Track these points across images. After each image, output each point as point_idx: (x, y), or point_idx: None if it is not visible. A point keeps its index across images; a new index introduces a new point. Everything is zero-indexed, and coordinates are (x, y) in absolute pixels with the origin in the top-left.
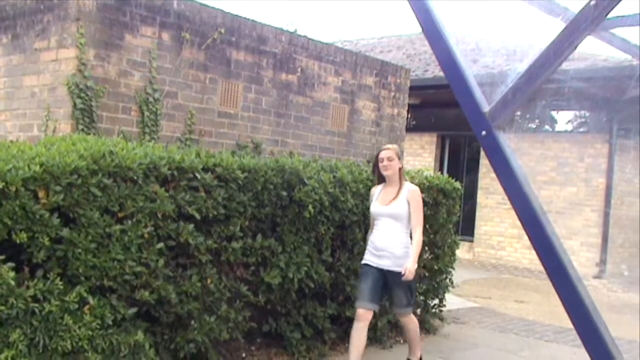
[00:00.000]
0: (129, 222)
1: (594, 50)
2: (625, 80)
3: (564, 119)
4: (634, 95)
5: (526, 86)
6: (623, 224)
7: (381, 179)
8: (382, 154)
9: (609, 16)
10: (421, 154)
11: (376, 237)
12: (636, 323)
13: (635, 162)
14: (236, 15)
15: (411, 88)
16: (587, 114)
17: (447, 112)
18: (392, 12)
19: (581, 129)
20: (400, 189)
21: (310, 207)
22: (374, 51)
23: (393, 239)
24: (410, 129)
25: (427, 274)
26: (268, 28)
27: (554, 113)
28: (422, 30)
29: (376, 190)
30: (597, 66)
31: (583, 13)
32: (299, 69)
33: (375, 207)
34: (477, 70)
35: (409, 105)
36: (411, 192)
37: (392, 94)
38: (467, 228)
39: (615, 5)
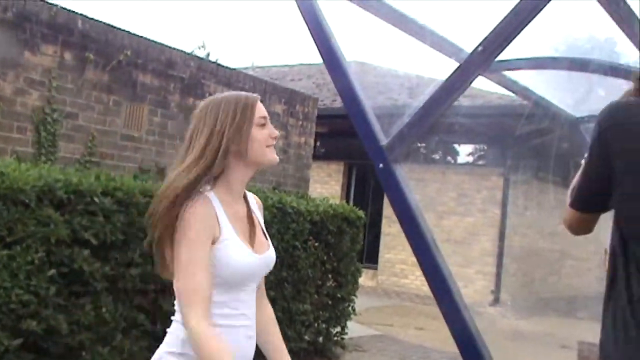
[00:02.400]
0: (18, 247)
1: (489, 88)
2: (517, 117)
3: (465, 151)
4: (523, 133)
5: (421, 122)
6: (515, 254)
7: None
8: (261, 107)
9: (498, 59)
10: (328, 182)
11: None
12: (525, 350)
13: (527, 196)
14: (143, 37)
15: (320, 117)
16: (485, 148)
17: (354, 141)
18: (304, 39)
19: (480, 162)
20: (248, 203)
21: None
22: (285, 79)
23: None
24: (318, 157)
25: (330, 302)
26: (176, 52)
27: (456, 146)
28: (324, 63)
29: (217, 211)
30: (493, 103)
31: (472, 57)
32: (207, 95)
33: (246, 256)
34: (382, 101)
35: (316, 133)
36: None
37: (300, 122)
38: (371, 256)
39: (500, 52)
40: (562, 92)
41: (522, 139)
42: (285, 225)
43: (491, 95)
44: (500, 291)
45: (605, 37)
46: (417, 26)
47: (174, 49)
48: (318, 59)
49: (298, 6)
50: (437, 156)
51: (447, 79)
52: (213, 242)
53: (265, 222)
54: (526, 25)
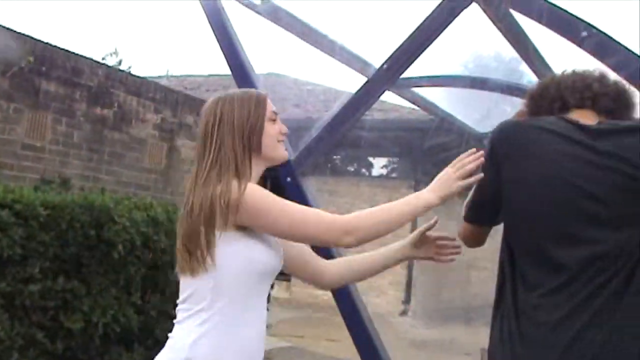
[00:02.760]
0: None
1: (402, 102)
2: (426, 132)
3: (379, 164)
4: (432, 146)
5: (329, 136)
6: (425, 265)
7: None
8: (271, 103)
9: (407, 75)
10: None
11: (249, 332)
12: (430, 358)
13: (435, 208)
14: (48, 44)
15: None
16: (397, 160)
17: None
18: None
19: (393, 174)
20: None
21: (120, 246)
22: (199, 89)
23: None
24: None
25: None
26: (84, 60)
27: (371, 158)
28: (233, 75)
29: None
30: (404, 117)
31: (378, 74)
32: (115, 104)
33: (270, 255)
34: (298, 114)
35: None
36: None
37: None
38: None
39: (406, 69)
40: (468, 108)
41: (431, 152)
42: None
43: (403, 109)
44: (410, 301)
45: (510, 56)
46: (328, 41)
47: (81, 56)
48: None
49: (209, 21)
50: (352, 168)
51: (354, 95)
52: (240, 228)
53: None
54: (430, 44)
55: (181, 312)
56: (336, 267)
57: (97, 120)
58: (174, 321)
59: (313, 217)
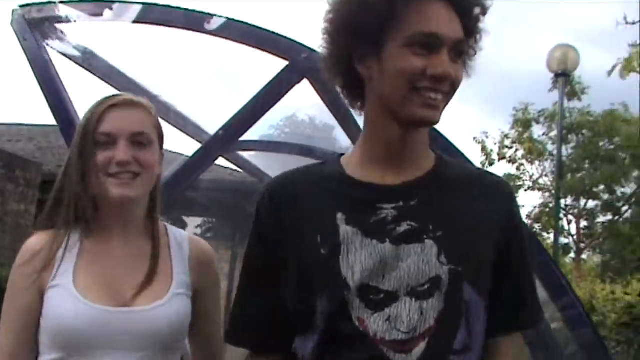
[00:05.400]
0: None
1: (222, 163)
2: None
3: (194, 223)
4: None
5: (164, 198)
6: None
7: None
8: (129, 121)
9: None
10: None
11: None
12: None
13: None
14: None
15: (46, 182)
16: (214, 221)
17: None
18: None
19: (208, 234)
20: (156, 243)
21: None
22: (1, 139)
23: None
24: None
25: None
26: None
27: (184, 217)
28: (62, 134)
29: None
30: (225, 179)
31: (214, 139)
32: None
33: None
34: None
35: (39, 201)
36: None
37: (21, 188)
38: None
39: (241, 135)
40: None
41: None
42: None
43: (224, 170)
44: None
45: (323, 122)
46: (163, 106)
47: None
48: (40, 120)
49: (34, 73)
50: None
51: (190, 158)
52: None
53: None
54: (264, 113)
55: None
56: None
57: None
58: None
59: None
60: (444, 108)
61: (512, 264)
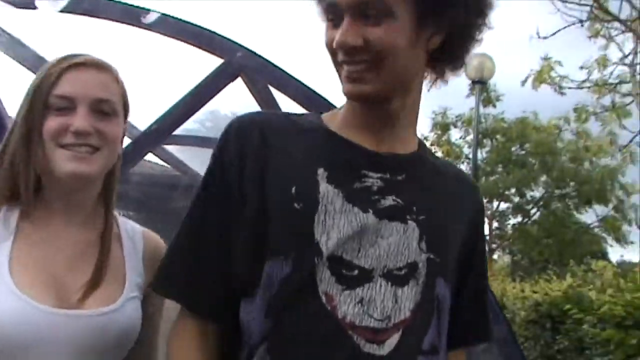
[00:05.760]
0: None
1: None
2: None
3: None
4: (178, 205)
5: None
6: None
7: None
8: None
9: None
10: None
11: None
12: None
13: None
14: None
15: None
16: (132, 214)
17: None
18: None
19: None
20: (107, 234)
21: None
22: None
23: None
24: None
25: None
26: None
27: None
28: None
29: None
30: (145, 172)
31: (145, 135)
32: None
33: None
34: None
35: None
36: (156, 247)
37: None
38: None
39: (174, 130)
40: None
41: (177, 209)
42: None
43: (147, 163)
44: None
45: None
46: None
47: None
48: None
49: None
50: None
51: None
52: None
53: None
54: (197, 110)
55: None
56: None
57: None
58: None
59: None
60: (378, 79)
61: (475, 265)
